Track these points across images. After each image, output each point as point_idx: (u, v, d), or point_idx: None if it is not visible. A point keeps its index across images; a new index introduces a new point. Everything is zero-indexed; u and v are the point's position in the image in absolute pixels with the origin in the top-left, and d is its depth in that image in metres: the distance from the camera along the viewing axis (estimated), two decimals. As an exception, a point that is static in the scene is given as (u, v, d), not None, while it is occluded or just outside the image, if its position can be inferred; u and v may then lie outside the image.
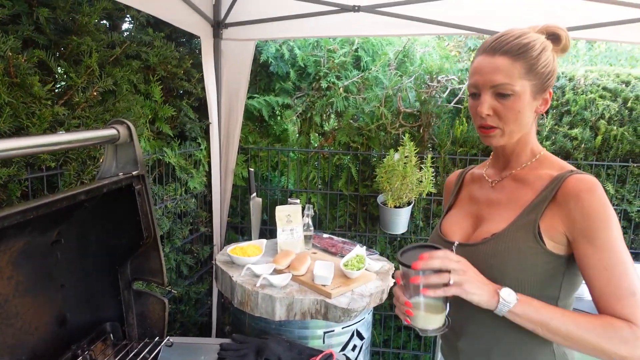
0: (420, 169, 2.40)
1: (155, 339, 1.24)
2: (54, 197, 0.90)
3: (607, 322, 0.89)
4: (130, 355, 1.15)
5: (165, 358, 1.42)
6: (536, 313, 0.90)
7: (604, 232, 0.91)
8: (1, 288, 1.03)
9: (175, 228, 2.27)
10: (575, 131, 2.49)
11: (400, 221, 2.49)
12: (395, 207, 2.45)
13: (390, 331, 2.82)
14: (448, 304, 0.96)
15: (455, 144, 2.59)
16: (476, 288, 0.90)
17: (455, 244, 1.08)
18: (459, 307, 0.98)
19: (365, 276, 1.95)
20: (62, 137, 0.99)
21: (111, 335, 1.25)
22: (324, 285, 1.82)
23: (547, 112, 2.60)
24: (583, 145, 2.48)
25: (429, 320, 0.95)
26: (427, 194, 2.50)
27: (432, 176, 2.42)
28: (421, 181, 2.40)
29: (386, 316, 2.80)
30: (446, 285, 0.89)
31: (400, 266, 0.95)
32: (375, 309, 2.45)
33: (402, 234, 2.61)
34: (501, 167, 1.11)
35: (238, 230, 2.88)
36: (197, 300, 2.55)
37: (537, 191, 1.00)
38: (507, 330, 0.98)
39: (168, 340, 1.25)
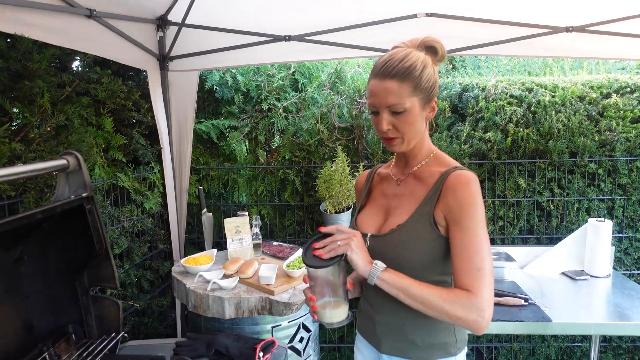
0: (355, 176, 2.68)
1: (112, 335, 1.45)
2: (16, 216, 1.11)
3: (452, 291, 1.09)
4: (90, 350, 1.35)
5: (126, 354, 1.62)
6: (399, 280, 1.11)
7: (469, 218, 1.10)
8: (-27, 299, 1.23)
9: (133, 246, 2.46)
10: (489, 134, 2.84)
11: (341, 224, 2.75)
12: (336, 212, 2.71)
13: (344, 329, 3.06)
14: (348, 300, 1.15)
15: (385, 152, 2.89)
16: (358, 249, 1.10)
17: (368, 235, 1.24)
18: (378, 288, 1.15)
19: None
20: (19, 168, 1.20)
21: (73, 335, 1.44)
22: (268, 285, 2.05)
23: (464, 119, 2.94)
24: (496, 146, 2.82)
25: (333, 315, 1.13)
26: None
27: (366, 182, 2.70)
28: (357, 187, 2.68)
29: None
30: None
31: (305, 268, 1.12)
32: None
33: (346, 236, 2.88)
34: (403, 166, 1.29)
35: (196, 245, 3.08)
36: (160, 312, 2.73)
37: (430, 186, 1.19)
38: None
39: (123, 334, 1.46)
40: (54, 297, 1.46)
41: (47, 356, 1.31)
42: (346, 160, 2.64)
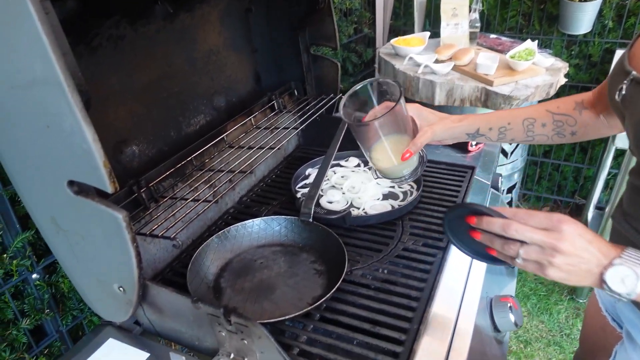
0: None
1: (330, 95, 1.45)
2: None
3: None
4: (310, 106, 1.39)
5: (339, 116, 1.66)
6: None
7: None
8: (214, 40, 1.29)
9: (340, 24, 2.39)
10: None
11: (584, 18, 2.20)
12: (580, 0, 2.15)
13: (552, 143, 2.73)
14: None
15: None
16: (565, 275, 0.61)
17: (631, 76, 0.71)
18: None
19: (532, 69, 1.87)
20: None
21: (295, 91, 1.50)
22: (487, 74, 1.81)
23: None
24: None
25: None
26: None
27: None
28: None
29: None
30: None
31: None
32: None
33: (584, 35, 2.33)
34: None
35: (400, 33, 2.88)
36: (360, 99, 2.77)
37: None
38: None
39: (340, 96, 1.46)
40: (277, 53, 1.48)
41: (275, 103, 1.39)
42: None
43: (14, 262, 0.97)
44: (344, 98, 0.86)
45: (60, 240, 0.78)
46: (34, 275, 1.02)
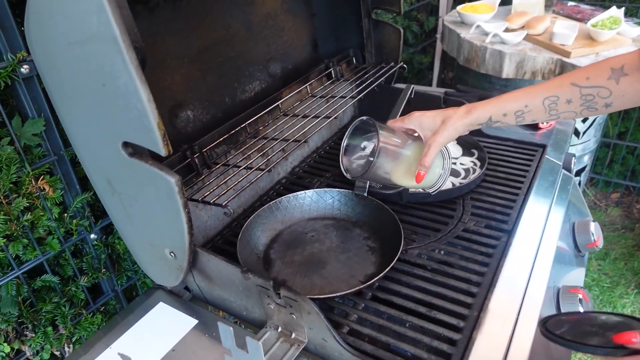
0: None
1: (390, 64, 1.37)
2: None
3: None
4: (368, 75, 1.32)
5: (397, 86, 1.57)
6: None
7: None
8: (272, 2, 1.24)
9: (403, -9, 2.26)
10: None
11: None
12: (679, -37, 1.91)
13: (630, 122, 2.50)
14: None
15: None
16: None
17: None
18: None
19: (616, 40, 1.69)
20: None
21: (353, 59, 1.43)
22: (563, 45, 1.65)
23: None
24: None
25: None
26: None
27: None
28: None
29: (628, 107, 2.46)
30: None
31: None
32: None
33: (679, 3, 2.08)
34: None
35: (466, 1, 2.70)
36: (419, 71, 2.64)
37: None
38: None
39: (402, 65, 1.38)
40: (337, 18, 1.41)
41: (332, 71, 1.33)
42: None
43: (74, 221, 0.99)
44: (342, 161, 0.85)
45: (115, 202, 0.77)
46: (92, 236, 1.04)
